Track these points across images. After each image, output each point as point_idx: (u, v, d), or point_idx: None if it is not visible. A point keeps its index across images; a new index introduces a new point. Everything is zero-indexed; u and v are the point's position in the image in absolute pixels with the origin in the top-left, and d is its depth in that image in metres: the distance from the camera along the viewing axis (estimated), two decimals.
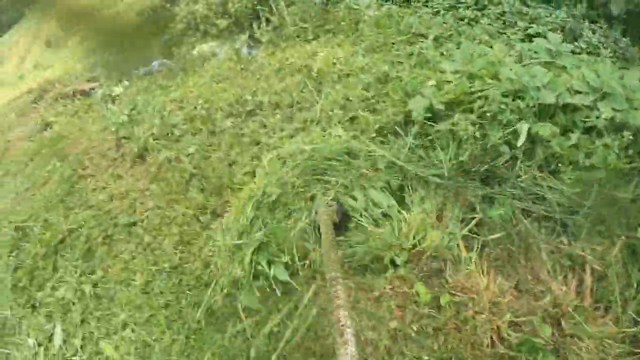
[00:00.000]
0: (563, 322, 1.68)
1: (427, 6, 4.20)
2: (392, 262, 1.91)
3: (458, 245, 1.95)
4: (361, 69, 3.14)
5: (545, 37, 3.22)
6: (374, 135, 2.44)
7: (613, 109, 2.32)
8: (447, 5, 4.16)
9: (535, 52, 3.06)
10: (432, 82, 2.64)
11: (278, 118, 2.90)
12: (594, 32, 4.05)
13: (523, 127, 2.25)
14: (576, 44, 3.90)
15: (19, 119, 4.83)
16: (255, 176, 2.36)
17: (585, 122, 2.34)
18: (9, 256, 2.88)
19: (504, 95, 2.38)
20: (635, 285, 1.77)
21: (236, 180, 2.43)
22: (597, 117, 2.31)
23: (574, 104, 2.40)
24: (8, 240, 2.98)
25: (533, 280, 1.84)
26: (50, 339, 2.27)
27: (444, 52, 3.17)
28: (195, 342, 1.94)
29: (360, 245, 1.99)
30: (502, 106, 2.31)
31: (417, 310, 1.72)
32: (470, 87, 2.49)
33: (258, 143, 2.77)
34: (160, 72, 4.52)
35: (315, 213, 2.05)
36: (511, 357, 1.59)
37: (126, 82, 4.53)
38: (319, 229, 1.97)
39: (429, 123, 2.40)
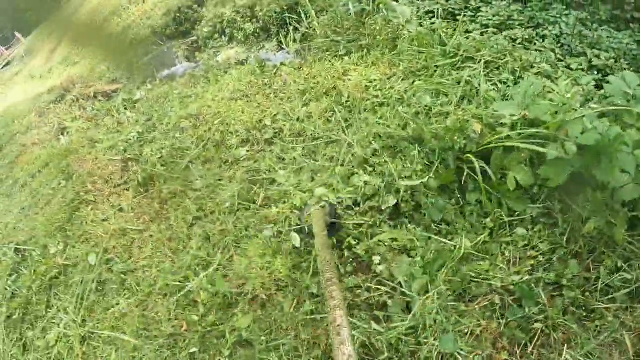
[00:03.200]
0: None
1: (474, 22, 3.73)
2: None
3: None
4: (399, 98, 2.77)
5: (616, 74, 2.70)
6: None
7: None
8: (497, 22, 3.68)
9: (610, 95, 2.52)
10: (477, 127, 2.25)
11: (299, 152, 2.58)
12: None
13: None
14: None
15: (38, 120, 4.75)
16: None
17: None
18: (8, 280, 2.74)
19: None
20: None
21: (243, 234, 2.15)
22: None
23: None
24: (9, 261, 2.84)
25: None
26: None
27: (498, 84, 2.75)
28: None
29: None
30: None
31: None
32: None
33: (273, 182, 2.46)
34: (182, 77, 4.30)
35: (308, 214, 2.00)
36: None
37: (148, 86, 4.34)
38: (311, 231, 1.91)
39: None
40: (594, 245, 1.88)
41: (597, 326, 1.70)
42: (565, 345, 1.64)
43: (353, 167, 2.32)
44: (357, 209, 2.09)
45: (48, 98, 4.99)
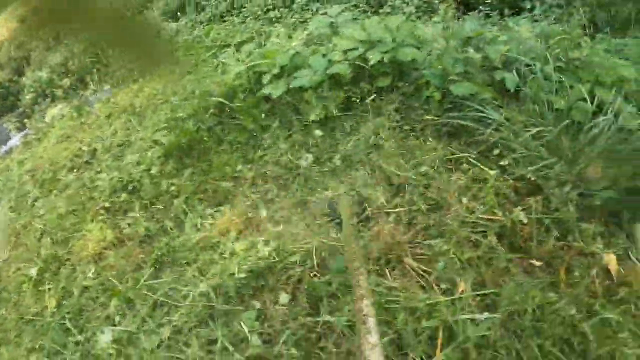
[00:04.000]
0: None
1: (238, 16, 4.83)
2: None
3: None
4: (174, 93, 3.73)
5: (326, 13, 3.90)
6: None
7: (380, 52, 2.83)
8: (256, 11, 4.82)
9: (318, 28, 3.72)
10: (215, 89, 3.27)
11: (109, 161, 3.44)
12: None
13: None
14: (381, 10, 4.68)
15: None
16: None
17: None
18: None
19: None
20: None
21: (73, 235, 2.96)
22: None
23: None
24: None
25: None
26: None
27: (240, 57, 3.82)
28: None
29: None
30: None
31: None
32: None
33: (95, 187, 3.29)
34: (19, 146, 4.89)
35: (336, 204, 2.12)
36: None
37: None
38: (339, 220, 2.00)
39: None
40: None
41: None
42: None
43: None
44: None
45: None
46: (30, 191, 3.59)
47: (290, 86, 2.86)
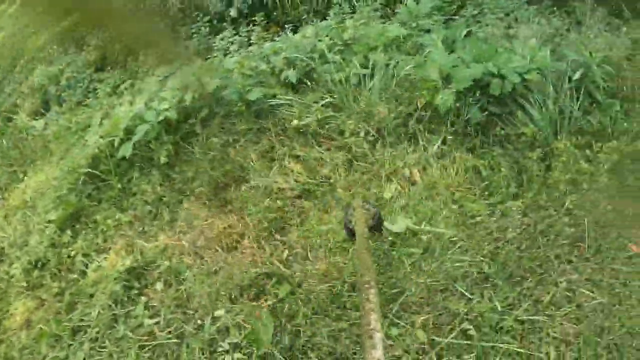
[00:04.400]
0: None
1: (95, 99, 5.65)
2: None
3: None
4: (54, 178, 4.50)
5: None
6: None
7: (191, 91, 3.90)
8: (108, 90, 5.67)
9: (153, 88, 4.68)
10: None
11: (17, 252, 4.14)
12: None
13: None
14: (209, 55, 5.69)
15: None
16: None
17: None
18: None
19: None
20: None
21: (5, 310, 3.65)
22: None
23: None
24: None
25: None
26: None
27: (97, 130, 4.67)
28: None
29: None
30: None
31: None
32: None
33: (12, 276, 3.98)
34: None
35: (351, 216, 2.15)
36: None
37: None
38: (353, 233, 2.04)
39: None
40: None
41: None
42: None
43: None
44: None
45: None
46: None
47: (134, 141, 3.77)
